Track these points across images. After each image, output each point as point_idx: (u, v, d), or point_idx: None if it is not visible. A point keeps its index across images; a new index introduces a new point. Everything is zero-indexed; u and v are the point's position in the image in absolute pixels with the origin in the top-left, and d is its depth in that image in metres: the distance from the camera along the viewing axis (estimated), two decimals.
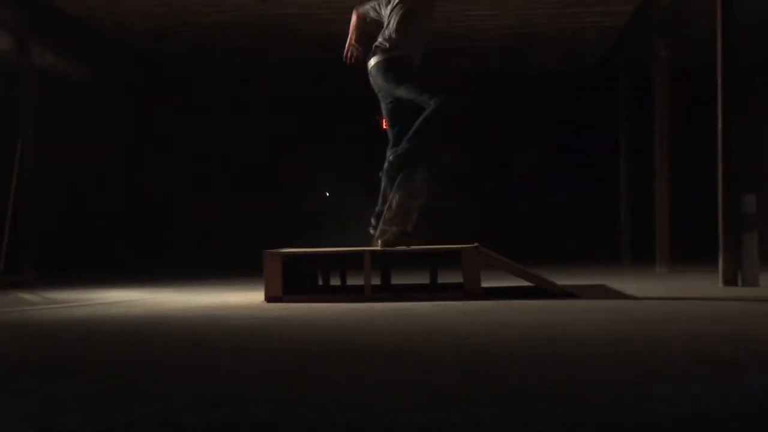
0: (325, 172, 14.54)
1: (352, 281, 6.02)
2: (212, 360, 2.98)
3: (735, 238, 6.34)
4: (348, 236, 6.27)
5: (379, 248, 5.71)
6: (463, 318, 4.29)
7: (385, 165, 5.88)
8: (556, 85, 14.12)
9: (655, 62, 9.72)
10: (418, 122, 5.73)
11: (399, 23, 5.76)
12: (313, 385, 2.40)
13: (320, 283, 6.29)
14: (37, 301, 6.16)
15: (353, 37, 6.15)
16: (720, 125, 6.49)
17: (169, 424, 1.92)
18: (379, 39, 5.87)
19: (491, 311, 4.55)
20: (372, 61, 5.83)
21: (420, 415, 1.96)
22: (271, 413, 2.03)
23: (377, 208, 5.92)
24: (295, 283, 5.77)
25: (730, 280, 6.33)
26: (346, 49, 6.15)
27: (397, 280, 6.26)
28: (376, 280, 5.69)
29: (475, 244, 5.42)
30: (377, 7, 6.01)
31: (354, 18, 6.19)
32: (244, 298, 5.89)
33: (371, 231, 5.88)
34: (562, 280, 5.95)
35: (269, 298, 5.51)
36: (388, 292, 5.66)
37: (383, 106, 6.01)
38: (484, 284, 5.45)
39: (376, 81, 5.87)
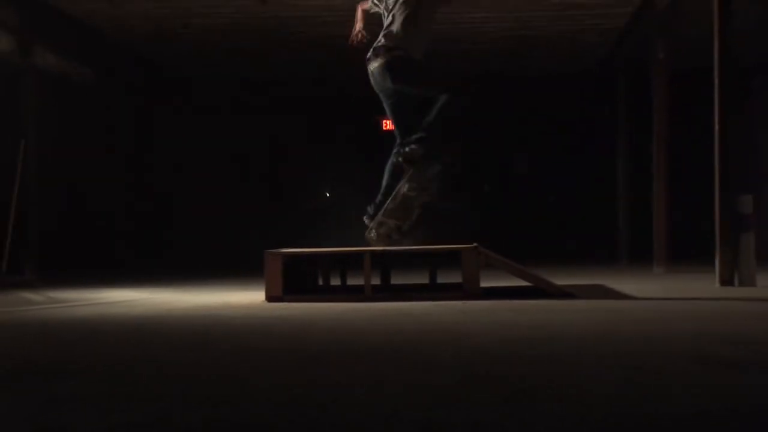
0: (325, 172, 14.54)
1: (352, 281, 6.02)
2: (213, 360, 2.98)
3: (732, 239, 6.36)
4: (348, 236, 6.28)
5: (377, 248, 5.72)
6: (463, 318, 4.29)
7: (392, 158, 5.93)
8: (555, 87, 14.13)
9: (653, 64, 9.73)
10: (431, 115, 5.78)
11: (402, 24, 5.78)
12: (313, 385, 2.40)
13: (320, 282, 6.29)
14: (40, 301, 6.16)
15: (359, 26, 6.23)
16: (717, 127, 6.52)
17: (170, 424, 1.92)
18: (381, 40, 5.88)
19: (490, 311, 4.55)
20: (375, 63, 5.84)
21: (420, 415, 1.96)
22: (271, 413, 2.03)
23: (377, 199, 5.94)
24: (295, 282, 5.77)
25: (726, 281, 6.34)
26: (353, 34, 6.25)
27: (396, 280, 6.27)
28: (376, 280, 5.69)
29: (475, 244, 5.43)
30: (378, 3, 6.05)
31: (359, 10, 6.28)
32: (244, 298, 5.89)
33: (366, 220, 5.91)
34: (560, 280, 5.96)
35: (270, 298, 5.52)
36: (387, 292, 5.67)
37: (385, 105, 6.03)
38: (484, 284, 5.46)
39: (379, 82, 5.88)
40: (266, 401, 2.18)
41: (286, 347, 3.31)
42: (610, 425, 1.83)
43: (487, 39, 11.84)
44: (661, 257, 9.35)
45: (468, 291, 5.33)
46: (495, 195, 14.49)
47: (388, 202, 5.88)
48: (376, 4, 6.08)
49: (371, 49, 5.93)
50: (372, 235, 5.85)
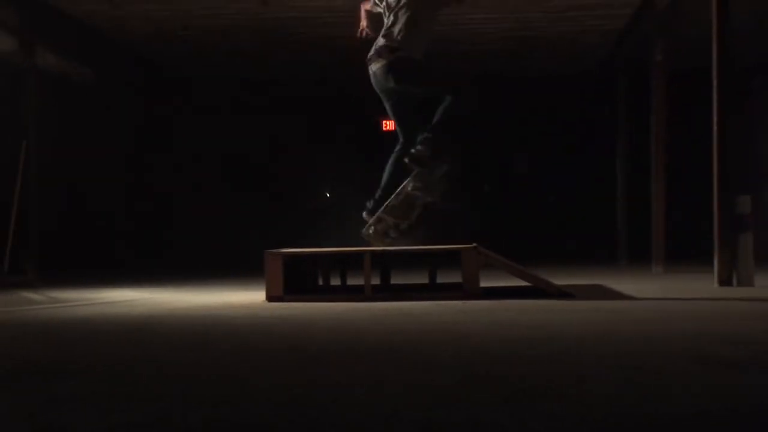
0: (325, 172, 14.55)
1: (353, 281, 6.03)
2: (213, 359, 2.99)
3: (730, 239, 6.37)
4: (348, 236, 6.29)
5: (378, 248, 5.73)
6: (463, 317, 4.30)
7: (393, 156, 5.95)
8: (555, 87, 14.14)
9: (652, 65, 9.74)
10: (437, 115, 5.79)
11: (405, 24, 5.78)
12: (313, 384, 2.41)
13: (320, 282, 6.30)
14: (40, 301, 6.17)
15: (364, 24, 6.25)
16: (715, 127, 6.53)
17: (170, 424, 1.92)
18: (382, 40, 5.88)
19: (490, 311, 4.56)
20: (377, 64, 5.84)
21: (420, 415, 1.96)
22: (272, 413, 2.03)
23: (377, 195, 5.96)
24: (295, 282, 5.78)
25: (725, 281, 6.36)
26: (359, 30, 6.29)
27: (396, 279, 6.27)
28: (376, 280, 5.70)
29: (474, 244, 5.43)
30: (378, 2, 6.06)
31: (362, 9, 6.33)
32: (244, 298, 5.90)
33: (365, 215, 5.92)
34: (559, 280, 5.96)
35: (270, 298, 5.52)
36: (387, 292, 5.67)
37: (386, 105, 6.04)
38: (483, 284, 5.47)
39: (381, 82, 5.88)
40: (266, 401, 2.18)
41: (287, 347, 3.31)
42: (610, 425, 1.83)
43: (487, 40, 11.85)
44: (659, 257, 9.36)
45: (468, 291, 5.33)
46: (495, 195, 14.48)
47: (390, 199, 5.89)
48: (377, 4, 6.09)
49: (373, 50, 5.93)
50: (370, 231, 5.86)
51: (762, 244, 7.40)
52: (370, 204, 5.96)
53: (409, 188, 5.87)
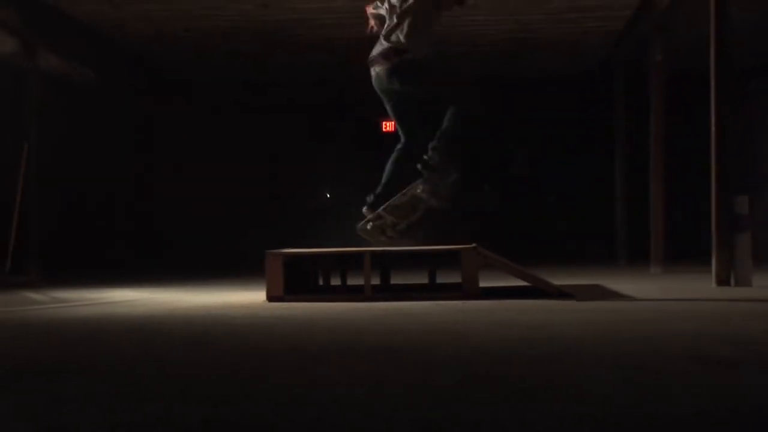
0: (325, 173, 14.56)
1: (353, 281, 6.03)
2: (213, 359, 2.99)
3: (728, 239, 6.38)
4: (348, 236, 6.29)
5: (378, 249, 5.73)
6: (463, 317, 4.30)
7: (394, 155, 5.97)
8: (554, 88, 14.15)
9: (651, 65, 9.74)
10: (444, 123, 5.81)
11: (409, 27, 5.78)
12: (313, 384, 2.41)
13: (321, 282, 6.30)
14: (42, 301, 6.17)
15: (373, 22, 6.26)
16: (713, 128, 6.54)
17: (170, 424, 1.93)
18: (384, 43, 5.86)
19: (490, 311, 4.56)
20: (382, 66, 5.83)
21: (420, 415, 1.97)
22: (272, 413, 2.04)
23: (377, 191, 5.96)
24: (296, 282, 5.78)
25: (723, 281, 6.37)
26: (368, 28, 6.27)
27: (396, 279, 6.28)
28: (376, 280, 5.70)
29: (474, 244, 5.44)
30: (380, 4, 6.06)
31: (367, 11, 6.31)
32: (245, 298, 5.90)
33: (365, 210, 5.92)
34: (558, 280, 5.97)
35: (271, 298, 5.53)
36: (387, 292, 5.68)
37: (387, 106, 6.04)
38: (483, 284, 5.47)
39: (384, 84, 5.87)
40: (266, 401, 2.18)
41: (287, 347, 3.32)
42: (610, 425, 1.83)
43: (487, 41, 11.86)
44: (658, 257, 9.37)
45: (467, 291, 5.34)
46: (494, 195, 14.48)
47: (394, 198, 5.90)
48: (378, 7, 6.08)
49: (375, 51, 5.91)
50: (367, 227, 5.86)
51: (760, 245, 7.42)
52: (370, 198, 5.96)
53: (418, 191, 5.89)
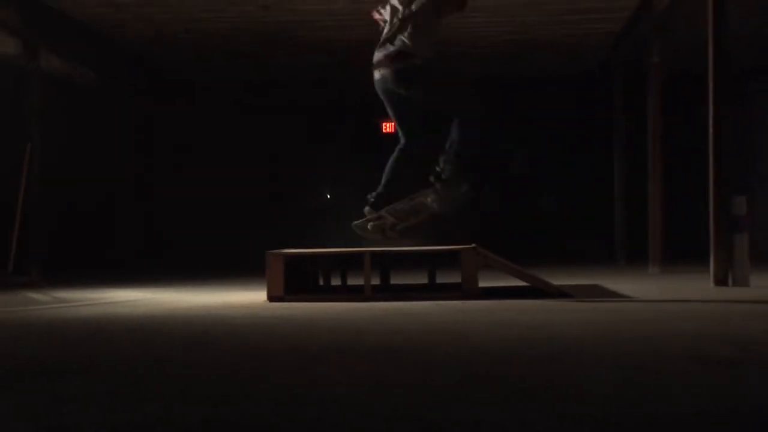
0: (325, 173, 14.56)
1: (353, 281, 6.03)
2: (213, 359, 2.99)
3: (726, 240, 6.39)
4: (348, 237, 6.29)
5: (377, 249, 5.74)
6: (463, 317, 4.30)
7: (394, 155, 5.98)
8: (553, 88, 14.15)
9: (649, 66, 9.75)
10: (453, 134, 5.84)
11: (413, 30, 5.78)
12: (313, 384, 2.41)
13: (321, 283, 6.31)
14: (44, 301, 6.18)
15: (383, 25, 6.24)
16: (711, 129, 6.55)
17: (170, 424, 1.93)
18: (390, 46, 5.84)
19: (490, 311, 4.56)
20: (388, 69, 5.81)
21: (420, 415, 1.97)
22: (272, 413, 2.04)
23: (378, 190, 5.96)
24: (296, 282, 5.79)
25: (721, 281, 6.38)
26: (381, 28, 6.22)
27: (396, 280, 6.28)
28: (376, 280, 5.71)
29: (473, 244, 5.45)
30: (382, 8, 6.06)
31: (374, 16, 6.30)
32: (245, 298, 5.90)
33: (366, 210, 5.92)
34: (558, 280, 5.97)
35: (271, 298, 5.53)
36: (387, 292, 5.68)
37: (388, 108, 6.03)
38: (482, 284, 5.47)
39: (388, 86, 5.85)
40: (267, 401, 2.18)
41: (287, 347, 3.32)
42: (610, 425, 1.84)
43: (487, 43, 11.87)
44: (656, 257, 9.37)
45: (467, 291, 5.34)
46: (494, 195, 14.48)
47: (401, 201, 5.90)
48: (380, 12, 6.07)
49: (380, 54, 5.90)
50: (368, 225, 5.85)
51: (757, 245, 7.42)
52: (371, 198, 5.95)
53: (428, 200, 5.91)
